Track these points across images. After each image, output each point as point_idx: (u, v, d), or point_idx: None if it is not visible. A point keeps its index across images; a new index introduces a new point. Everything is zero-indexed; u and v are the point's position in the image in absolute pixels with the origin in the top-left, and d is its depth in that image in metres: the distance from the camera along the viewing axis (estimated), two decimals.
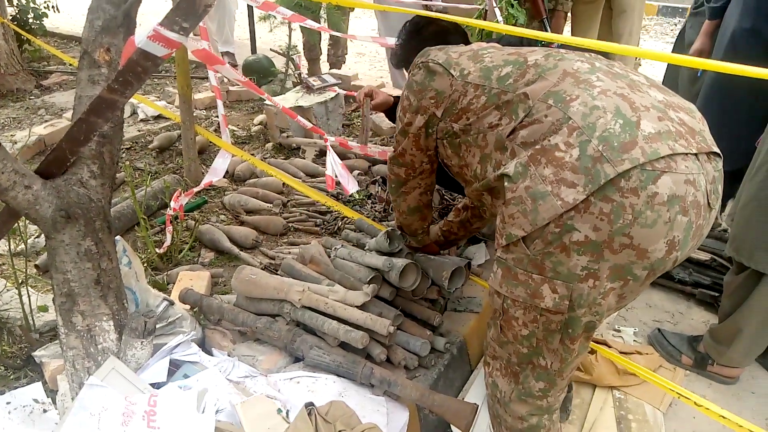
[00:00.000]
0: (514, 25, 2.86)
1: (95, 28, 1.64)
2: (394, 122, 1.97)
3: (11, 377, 1.79)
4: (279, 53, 4.12)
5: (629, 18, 3.60)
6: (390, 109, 2.42)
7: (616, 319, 2.50)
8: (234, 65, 4.98)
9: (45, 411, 1.59)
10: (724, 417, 1.51)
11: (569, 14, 3.53)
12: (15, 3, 4.72)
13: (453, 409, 1.57)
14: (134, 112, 4.04)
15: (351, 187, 2.57)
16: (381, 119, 3.75)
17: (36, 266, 2.38)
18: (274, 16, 3.52)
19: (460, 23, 1.87)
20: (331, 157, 2.58)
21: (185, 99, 2.83)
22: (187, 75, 2.80)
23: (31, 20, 4.78)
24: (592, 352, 2.07)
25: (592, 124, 1.14)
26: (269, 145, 3.55)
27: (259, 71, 4.30)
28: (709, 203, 1.19)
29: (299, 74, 4.05)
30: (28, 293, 1.91)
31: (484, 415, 1.83)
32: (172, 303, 1.79)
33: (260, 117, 3.84)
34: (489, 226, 2.29)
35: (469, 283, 2.15)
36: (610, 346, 2.09)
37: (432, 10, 2.12)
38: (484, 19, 2.90)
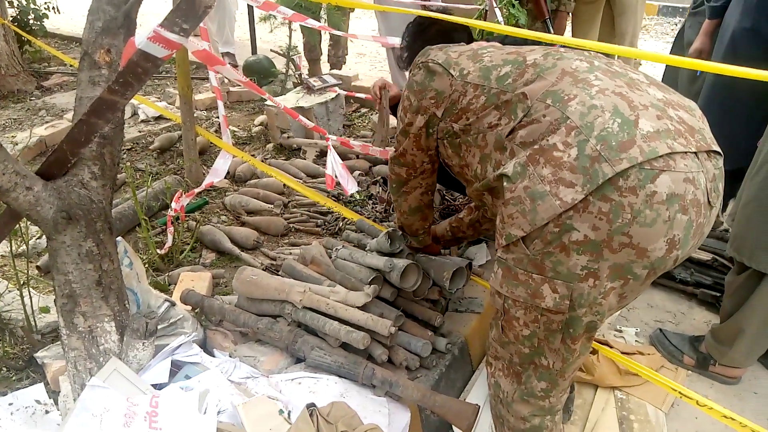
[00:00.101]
0: (515, 25, 2.86)
1: (95, 29, 1.64)
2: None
3: (13, 378, 1.79)
4: (279, 54, 4.12)
5: (632, 18, 3.60)
6: (398, 104, 2.41)
7: (618, 319, 2.49)
8: (234, 66, 4.99)
9: (47, 412, 1.60)
10: (726, 417, 1.51)
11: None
12: (15, 4, 4.72)
13: (454, 410, 1.57)
14: (135, 113, 4.05)
15: (350, 187, 2.57)
16: None
17: (37, 267, 2.38)
18: (275, 17, 3.53)
19: (460, 23, 1.87)
20: (332, 157, 2.58)
21: (186, 100, 2.83)
22: (188, 76, 2.81)
23: (31, 21, 4.78)
24: (594, 352, 2.07)
25: (590, 123, 1.14)
26: (270, 146, 3.55)
27: (260, 72, 4.30)
28: (709, 201, 1.18)
29: (300, 75, 4.06)
30: (29, 294, 1.91)
31: (486, 415, 1.82)
32: (173, 304, 1.79)
33: (261, 118, 3.84)
34: None
35: (471, 283, 2.15)
36: (611, 347, 2.09)
37: (431, 10, 2.12)
38: (485, 20, 2.89)
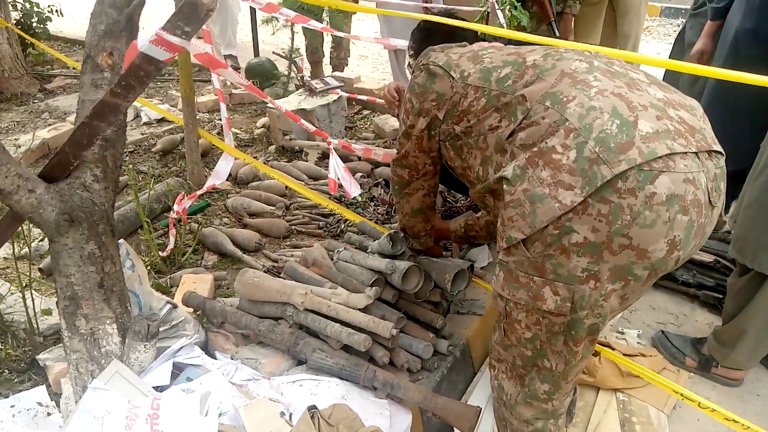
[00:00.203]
0: (518, 26, 2.86)
1: (98, 32, 1.65)
2: None
3: (15, 380, 1.79)
4: (282, 56, 4.13)
5: (634, 19, 3.60)
6: None
7: (620, 321, 2.49)
8: (237, 68, 5.00)
9: (49, 414, 1.60)
10: (728, 419, 1.50)
11: None
12: (19, 7, 4.74)
13: (456, 412, 1.56)
14: (137, 116, 4.05)
15: (353, 190, 2.57)
16: (383, 121, 3.76)
17: (40, 270, 2.39)
18: (277, 19, 3.53)
19: (460, 26, 1.87)
20: (334, 161, 2.58)
21: (188, 102, 2.84)
22: (190, 78, 2.81)
23: (34, 24, 4.80)
24: (596, 354, 2.06)
25: (589, 125, 1.14)
26: (272, 148, 3.55)
27: (262, 74, 4.31)
28: (710, 201, 1.18)
29: (302, 77, 4.06)
30: (32, 296, 1.92)
31: (487, 418, 1.82)
32: (175, 306, 1.79)
33: (263, 120, 3.85)
34: None
35: (472, 285, 2.15)
36: (613, 348, 2.08)
37: (433, 12, 2.11)
38: (486, 22, 2.89)
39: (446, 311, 2.09)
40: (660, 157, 1.09)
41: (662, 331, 2.35)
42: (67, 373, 1.59)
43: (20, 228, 1.79)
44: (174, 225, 2.43)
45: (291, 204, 2.94)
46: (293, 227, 2.74)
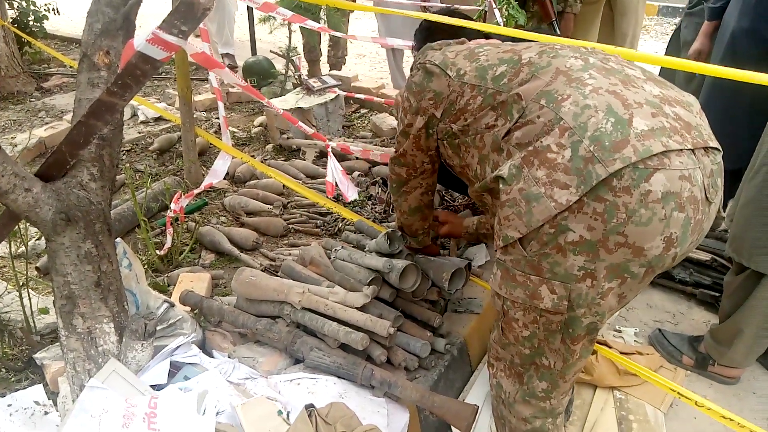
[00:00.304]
0: (515, 26, 2.86)
1: (94, 31, 1.64)
2: None
3: (12, 379, 1.79)
4: (279, 55, 4.12)
5: (632, 18, 3.60)
6: None
7: (617, 319, 2.50)
8: (234, 67, 4.99)
9: (46, 413, 1.60)
10: (725, 417, 1.51)
11: None
12: (15, 5, 4.73)
13: (453, 411, 1.57)
14: (134, 114, 4.05)
15: (351, 194, 2.57)
16: (381, 120, 3.76)
17: (37, 268, 2.38)
18: (274, 18, 3.53)
19: (461, 24, 1.87)
20: (332, 163, 2.58)
21: (185, 101, 2.83)
22: (188, 77, 2.81)
23: (31, 23, 4.79)
24: (593, 352, 2.06)
25: (584, 124, 1.14)
26: (269, 147, 3.55)
27: (260, 73, 4.30)
28: (707, 197, 1.17)
29: (299, 76, 4.06)
30: (29, 295, 1.91)
31: (485, 416, 1.83)
32: (172, 305, 1.79)
33: (260, 118, 3.84)
34: None
35: (470, 284, 2.15)
36: (610, 347, 2.09)
37: (430, 11, 2.11)
38: (484, 21, 2.89)
39: (443, 310, 2.10)
40: (655, 155, 1.09)
41: (659, 330, 2.36)
42: (64, 372, 1.59)
43: (17, 227, 1.79)
44: (171, 224, 2.42)
45: (288, 203, 2.94)
46: (291, 226, 2.73)
